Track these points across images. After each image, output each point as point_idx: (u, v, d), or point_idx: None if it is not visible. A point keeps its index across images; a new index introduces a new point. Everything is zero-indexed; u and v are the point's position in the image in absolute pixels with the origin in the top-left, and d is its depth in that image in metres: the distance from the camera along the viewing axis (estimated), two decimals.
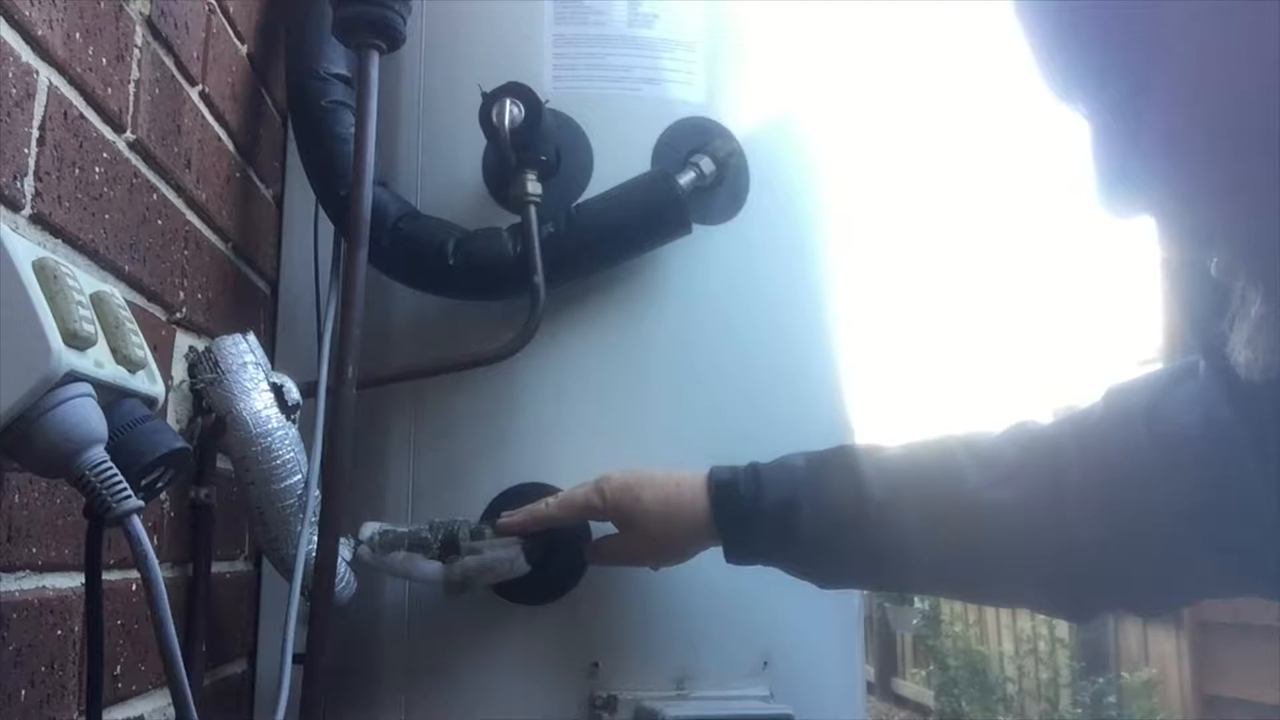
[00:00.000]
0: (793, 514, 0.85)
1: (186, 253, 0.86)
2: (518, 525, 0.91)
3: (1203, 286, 0.61)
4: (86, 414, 0.52)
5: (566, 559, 0.95)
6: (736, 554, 0.88)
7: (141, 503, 0.54)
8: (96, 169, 0.68)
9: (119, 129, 0.72)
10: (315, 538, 0.83)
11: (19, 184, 0.58)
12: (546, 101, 0.94)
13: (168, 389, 0.81)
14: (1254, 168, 0.46)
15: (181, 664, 0.56)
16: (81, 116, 0.66)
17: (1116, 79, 0.49)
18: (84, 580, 0.60)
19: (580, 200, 0.99)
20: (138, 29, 0.75)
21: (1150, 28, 0.47)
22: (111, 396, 0.56)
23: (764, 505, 0.86)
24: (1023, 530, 0.78)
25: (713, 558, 0.91)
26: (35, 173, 0.60)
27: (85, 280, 0.57)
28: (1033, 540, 0.78)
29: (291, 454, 0.83)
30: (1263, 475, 0.65)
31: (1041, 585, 0.82)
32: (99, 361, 0.54)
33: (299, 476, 0.84)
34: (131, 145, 0.75)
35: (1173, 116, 0.48)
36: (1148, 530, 0.74)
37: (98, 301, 0.57)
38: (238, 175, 1.00)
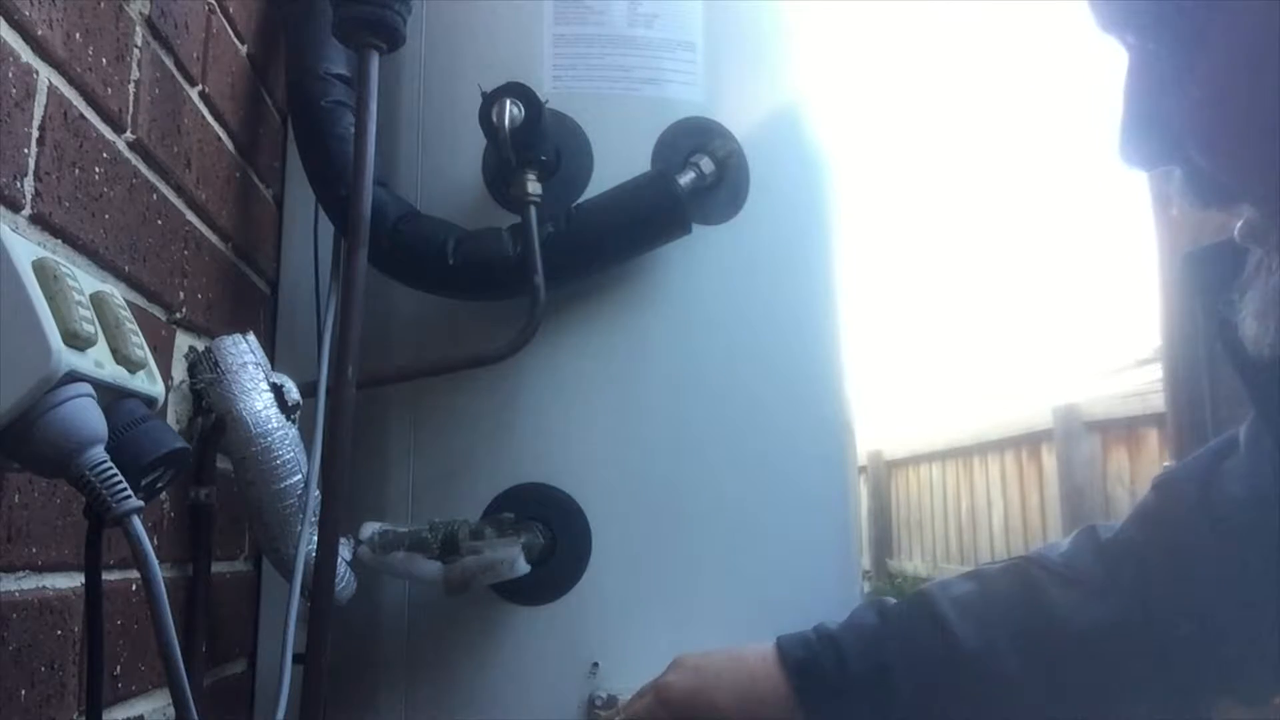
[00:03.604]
0: (885, 680, 0.79)
1: (186, 253, 0.86)
2: None
3: (1215, 259, 0.60)
4: (86, 414, 0.52)
5: (567, 559, 0.95)
6: None
7: (141, 503, 0.54)
8: (96, 169, 0.68)
9: (119, 129, 0.72)
10: (315, 538, 0.83)
11: (19, 184, 0.58)
12: (546, 101, 0.94)
13: (168, 389, 0.81)
14: None
15: (181, 664, 0.56)
16: (81, 116, 0.66)
17: (1173, 18, 0.46)
18: (84, 580, 0.60)
19: (580, 200, 0.99)
20: (138, 29, 0.75)
21: None
22: (111, 396, 0.56)
23: (852, 677, 0.80)
24: (1122, 643, 0.76)
25: (712, 554, 0.91)
26: (35, 173, 0.60)
27: (85, 280, 0.57)
28: (1134, 650, 0.76)
29: (291, 454, 0.83)
30: None
31: (1153, 692, 0.79)
32: (99, 361, 0.54)
33: (299, 476, 0.84)
34: (131, 145, 0.75)
35: (1225, 70, 0.45)
36: (1223, 609, 0.73)
37: (98, 301, 0.57)
38: (238, 175, 1.00)
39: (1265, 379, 0.63)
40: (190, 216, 0.87)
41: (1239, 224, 0.49)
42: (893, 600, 0.86)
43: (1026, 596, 0.80)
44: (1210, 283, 0.65)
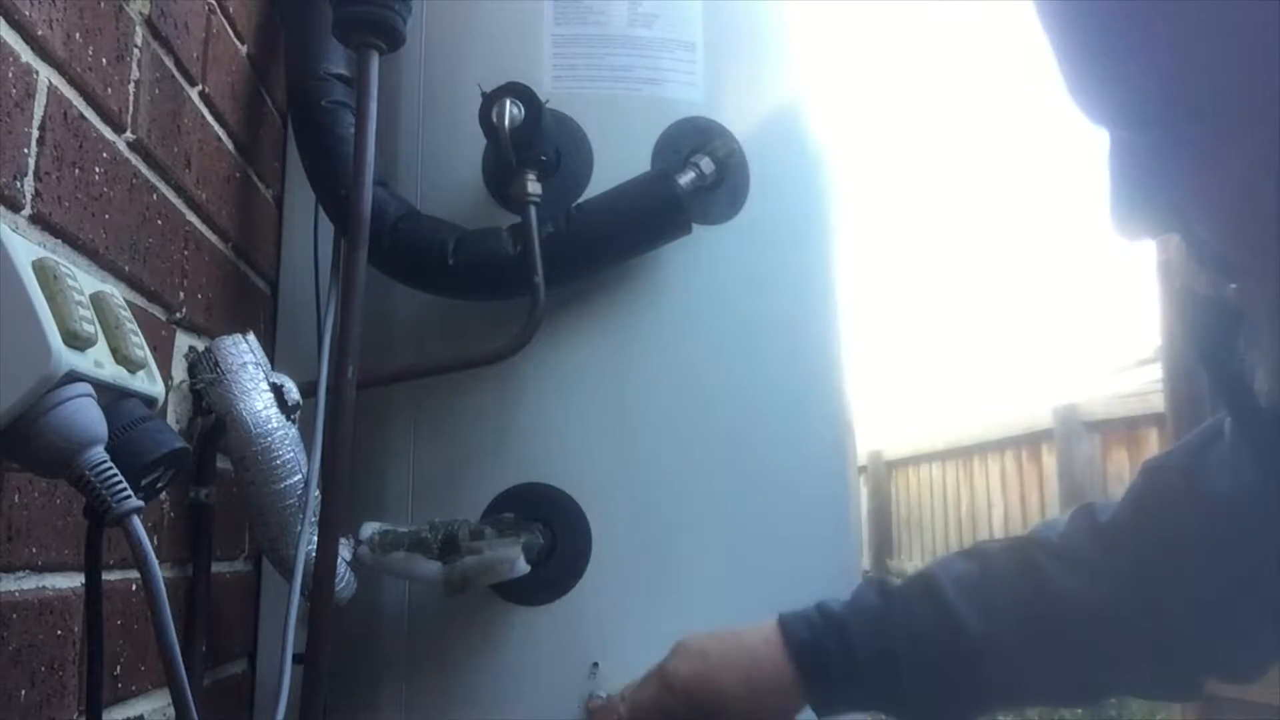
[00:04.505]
0: (890, 664, 0.79)
1: (186, 253, 0.86)
2: None
3: (1211, 313, 0.60)
4: (86, 414, 0.52)
5: (567, 559, 0.95)
6: (829, 711, 0.83)
7: (141, 503, 0.54)
8: (96, 169, 0.68)
9: (119, 129, 0.72)
10: (315, 538, 0.83)
11: (19, 184, 0.58)
12: (546, 101, 0.94)
13: (168, 389, 0.81)
14: None
15: (181, 664, 0.56)
16: (81, 116, 0.66)
17: (1160, 104, 0.45)
18: (84, 580, 0.60)
19: (580, 200, 0.99)
20: (138, 29, 0.75)
21: (1213, 57, 0.43)
22: (111, 396, 0.56)
23: (857, 661, 0.80)
24: (1119, 624, 0.77)
25: (711, 554, 0.91)
26: (35, 173, 0.60)
27: (85, 280, 0.57)
28: (1130, 631, 0.77)
29: (291, 454, 0.83)
30: None
31: (1146, 671, 0.80)
32: (99, 361, 0.54)
33: (299, 476, 0.84)
34: (131, 145, 0.75)
35: (1231, 149, 0.44)
36: (1210, 595, 0.74)
37: (98, 301, 0.57)
38: (238, 175, 1.00)
39: (1272, 432, 0.63)
40: (190, 216, 0.87)
41: (1233, 288, 0.49)
42: (896, 580, 0.87)
43: (1028, 579, 0.80)
44: (1209, 335, 0.65)
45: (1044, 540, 0.82)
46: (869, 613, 0.82)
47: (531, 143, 0.95)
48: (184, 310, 0.85)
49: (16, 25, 0.58)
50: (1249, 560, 0.71)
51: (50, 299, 0.51)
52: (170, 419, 0.83)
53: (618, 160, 1.01)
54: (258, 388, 0.82)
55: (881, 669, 0.80)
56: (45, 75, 0.62)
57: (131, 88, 0.74)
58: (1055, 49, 0.47)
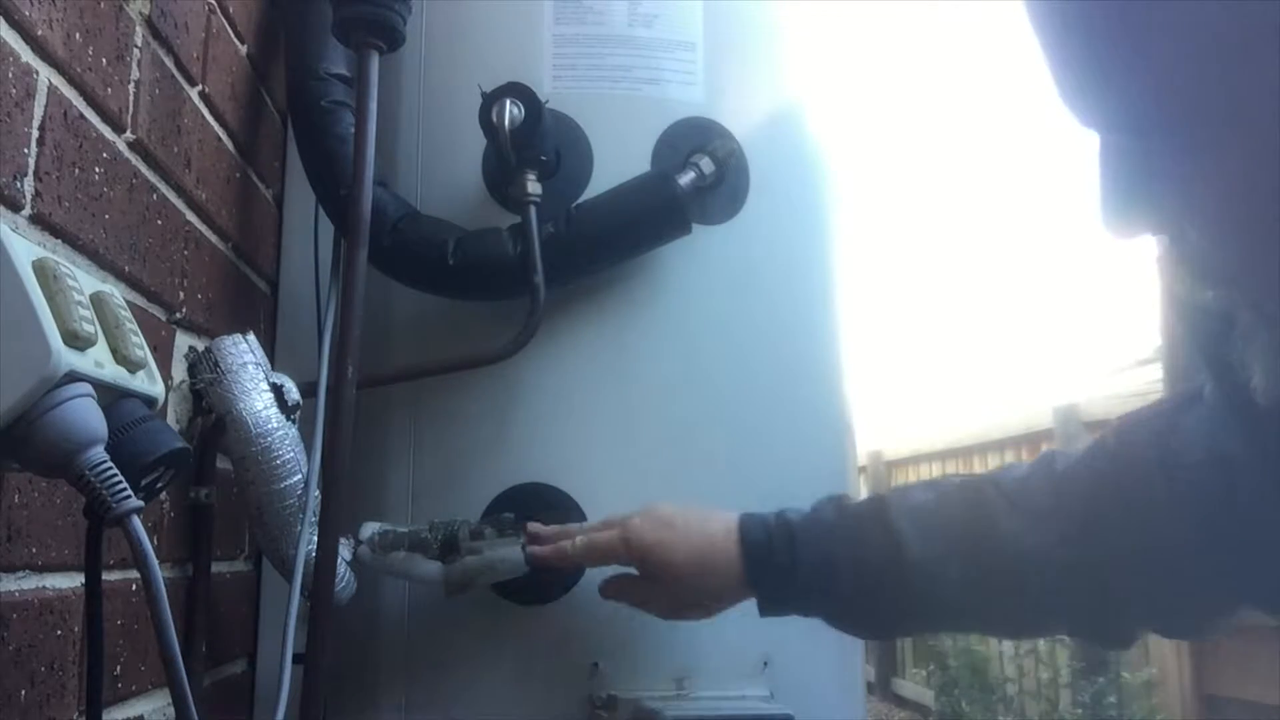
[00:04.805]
0: (831, 573, 0.84)
1: (186, 253, 0.86)
2: (540, 558, 0.90)
3: (1207, 312, 0.60)
4: (86, 414, 0.52)
5: None
6: (771, 610, 0.88)
7: (141, 503, 0.54)
8: (96, 169, 0.68)
9: (119, 129, 0.72)
10: (315, 538, 0.83)
11: (19, 184, 0.58)
12: (546, 101, 0.94)
13: (168, 389, 0.81)
14: None
15: (181, 664, 0.56)
16: (81, 116, 0.66)
17: (1150, 108, 0.45)
18: (84, 580, 0.60)
19: (580, 200, 0.99)
20: (138, 29, 0.75)
21: (1202, 62, 0.43)
22: (111, 396, 0.56)
23: (801, 566, 0.85)
24: (1060, 569, 0.79)
25: None
26: (35, 173, 0.60)
27: (85, 280, 0.57)
28: (1071, 578, 0.79)
29: (291, 454, 0.83)
30: (1276, 501, 0.66)
31: (1082, 618, 0.83)
32: (99, 361, 0.54)
33: (299, 476, 0.84)
34: (131, 145, 0.75)
35: (1221, 152, 0.44)
36: (1169, 562, 0.76)
37: (98, 301, 0.57)
38: (238, 175, 1.00)
39: (1271, 424, 0.63)
40: (190, 216, 0.87)
41: (1219, 289, 0.50)
42: (855, 500, 0.90)
43: (976, 513, 0.83)
44: (1205, 336, 0.65)
45: (1000, 480, 0.84)
46: (820, 525, 0.86)
47: (531, 143, 0.95)
48: (184, 310, 0.85)
49: (16, 25, 0.58)
50: (1206, 528, 0.72)
51: (50, 299, 0.51)
52: (170, 419, 0.83)
53: (618, 160, 1.01)
54: (258, 388, 0.82)
55: (821, 576, 0.84)
56: (45, 75, 0.62)
57: (131, 88, 0.74)
58: (1045, 54, 0.48)
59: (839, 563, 0.84)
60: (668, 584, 0.88)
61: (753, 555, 0.86)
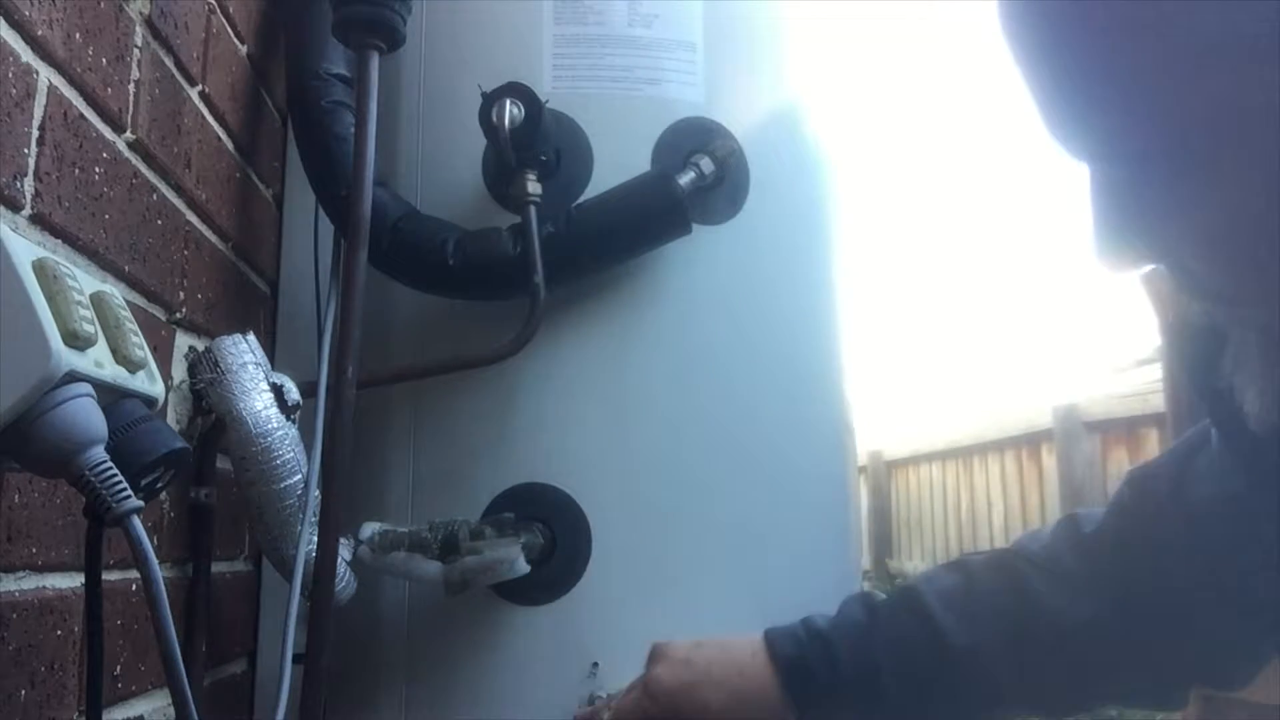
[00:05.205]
0: (875, 679, 0.80)
1: (186, 253, 0.86)
2: None
3: (1202, 336, 0.60)
4: (86, 414, 0.52)
5: (566, 559, 0.95)
6: None
7: (141, 503, 0.54)
8: (96, 169, 0.68)
9: (119, 129, 0.72)
10: (315, 538, 0.83)
11: (19, 184, 0.58)
12: (546, 101, 0.94)
13: (168, 389, 0.81)
14: None
15: (181, 664, 0.56)
16: (81, 116, 0.66)
17: (1140, 139, 0.44)
18: (84, 580, 0.60)
19: (580, 200, 0.99)
20: (138, 29, 0.75)
21: (1190, 90, 0.42)
22: (111, 396, 0.56)
23: (842, 677, 0.80)
24: (1109, 637, 0.77)
25: (711, 554, 0.91)
26: (35, 173, 0.60)
27: (85, 280, 0.57)
28: (1121, 645, 0.77)
29: (291, 454, 0.83)
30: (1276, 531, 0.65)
31: (1137, 684, 0.80)
32: (99, 361, 0.54)
33: (299, 476, 0.84)
34: (131, 145, 0.75)
35: (1215, 178, 0.44)
36: (1199, 610, 0.74)
37: (98, 301, 0.57)
38: (238, 175, 1.00)
39: (1265, 450, 0.63)
40: (190, 216, 0.87)
41: (1221, 312, 0.49)
42: (881, 595, 0.87)
43: (1012, 591, 0.80)
44: (1198, 360, 0.65)
45: (1027, 552, 0.82)
46: (854, 627, 0.82)
47: (531, 143, 0.95)
48: (184, 310, 0.85)
49: (16, 25, 0.58)
50: (1233, 566, 0.71)
51: (50, 299, 0.51)
52: (170, 419, 0.83)
53: (618, 160, 1.01)
54: (258, 388, 0.82)
55: (865, 682, 0.80)
56: (45, 75, 0.62)
57: (131, 88, 0.74)
58: (1031, 89, 0.47)
59: (881, 667, 0.80)
60: None
61: (790, 675, 0.81)
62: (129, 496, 0.54)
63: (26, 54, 0.59)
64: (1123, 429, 4.83)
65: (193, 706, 0.58)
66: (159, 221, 0.80)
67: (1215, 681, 0.81)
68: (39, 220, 0.61)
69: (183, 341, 0.85)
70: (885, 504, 7.98)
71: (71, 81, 0.65)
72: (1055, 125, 0.48)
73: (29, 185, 0.60)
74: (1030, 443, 5.73)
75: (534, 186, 0.95)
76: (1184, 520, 0.75)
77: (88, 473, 0.52)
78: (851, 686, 0.80)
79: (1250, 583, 0.71)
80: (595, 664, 0.94)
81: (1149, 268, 0.50)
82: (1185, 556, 0.74)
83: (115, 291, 0.60)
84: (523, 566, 0.90)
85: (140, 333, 0.60)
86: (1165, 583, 0.76)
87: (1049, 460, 5.43)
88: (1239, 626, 0.74)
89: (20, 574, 0.60)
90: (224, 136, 0.96)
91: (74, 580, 0.66)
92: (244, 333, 0.86)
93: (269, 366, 0.85)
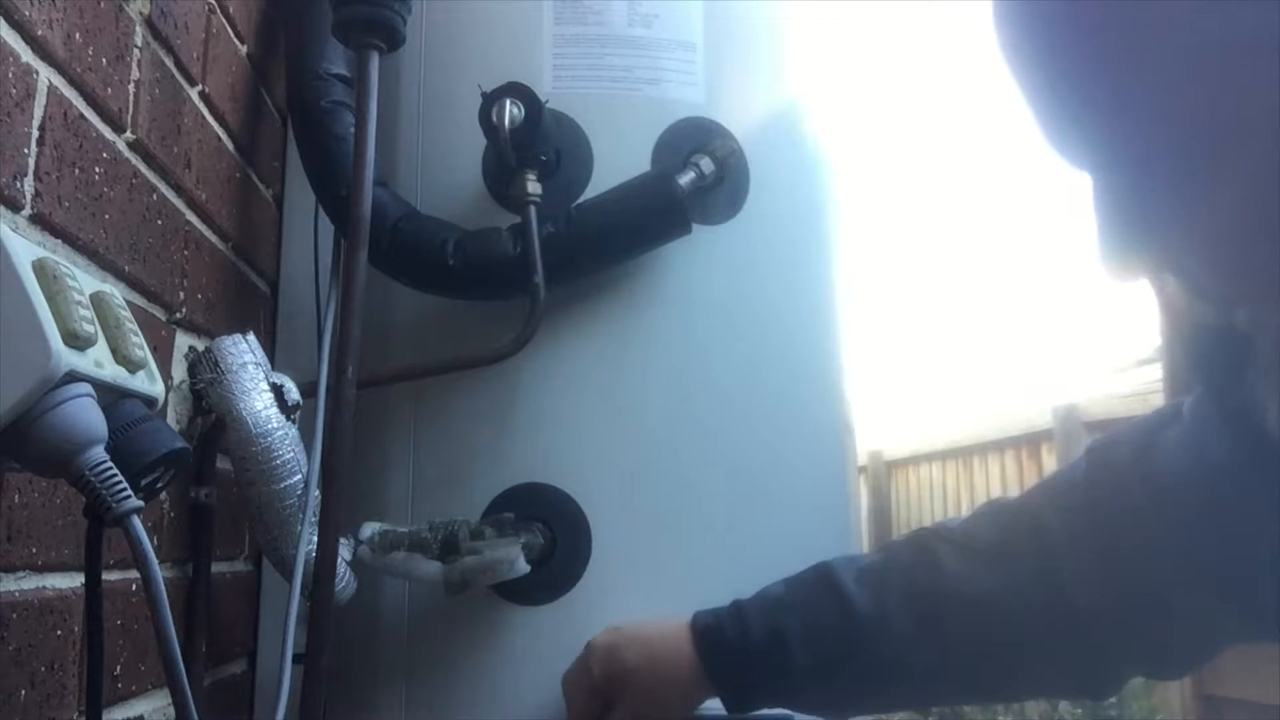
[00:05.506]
0: (781, 643, 0.81)
1: (186, 253, 0.86)
2: None
3: (1214, 337, 0.60)
4: (86, 414, 0.52)
5: (566, 559, 0.95)
6: (734, 699, 0.84)
7: (141, 503, 0.54)
8: (96, 169, 0.68)
9: (119, 129, 0.72)
10: (315, 538, 0.83)
11: (19, 184, 0.58)
12: (546, 101, 0.94)
13: (168, 389, 0.81)
14: None
15: (181, 664, 0.56)
16: (81, 116, 0.66)
17: (1141, 146, 0.44)
18: (84, 580, 0.60)
19: (580, 200, 0.99)
20: (138, 29, 0.75)
21: (1190, 97, 0.42)
22: (111, 397, 0.56)
23: (751, 642, 0.82)
24: (1019, 612, 0.76)
25: (711, 554, 0.91)
26: (35, 173, 0.60)
27: (85, 280, 0.57)
28: (1032, 620, 0.76)
29: (291, 454, 0.83)
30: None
31: (1054, 667, 0.79)
32: (99, 361, 0.54)
33: (299, 476, 0.84)
34: (131, 145, 0.75)
35: (1220, 184, 0.43)
36: (1149, 578, 0.73)
37: (98, 301, 0.57)
38: (238, 175, 1.00)
39: None
40: (190, 216, 0.87)
41: (1240, 317, 0.49)
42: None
43: (921, 561, 0.81)
44: (1213, 367, 0.64)
45: (944, 528, 0.83)
46: (769, 599, 0.84)
47: (531, 143, 0.95)
48: (184, 310, 0.85)
49: (16, 25, 0.58)
50: (1192, 536, 0.70)
51: (50, 299, 0.51)
52: (170, 419, 0.83)
53: (618, 160, 1.01)
54: (258, 388, 0.82)
55: (773, 646, 0.81)
56: (45, 75, 0.62)
57: (131, 88, 0.74)
58: (1029, 99, 0.47)
59: (789, 632, 0.81)
60: (630, 694, 0.85)
61: (704, 640, 0.84)
62: (129, 496, 0.54)
63: (26, 54, 0.59)
64: None
65: (193, 706, 0.58)
66: (159, 221, 0.80)
67: (1157, 669, 0.80)
68: (39, 220, 0.61)
69: (183, 341, 0.86)
70: (885, 504, 7.97)
71: (71, 81, 0.65)
72: (1054, 134, 0.47)
73: (29, 185, 0.60)
74: (1030, 443, 5.73)
75: (534, 186, 0.95)
76: (1147, 493, 0.74)
77: (88, 473, 0.52)
78: (760, 651, 0.82)
79: (1212, 559, 0.70)
80: None
81: (1153, 275, 0.50)
82: (1143, 532, 0.73)
83: (115, 291, 0.60)
84: (523, 566, 0.90)
85: (140, 333, 0.60)
86: (1111, 559, 0.74)
87: (1049, 460, 5.42)
88: (1192, 608, 0.72)
89: (20, 574, 0.60)
90: (224, 136, 0.96)
91: (74, 580, 0.66)
92: (244, 333, 0.86)
93: (269, 366, 0.85)
